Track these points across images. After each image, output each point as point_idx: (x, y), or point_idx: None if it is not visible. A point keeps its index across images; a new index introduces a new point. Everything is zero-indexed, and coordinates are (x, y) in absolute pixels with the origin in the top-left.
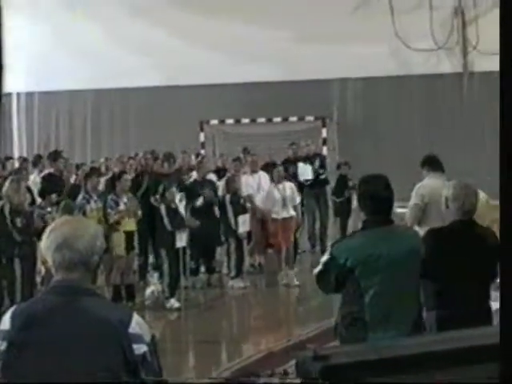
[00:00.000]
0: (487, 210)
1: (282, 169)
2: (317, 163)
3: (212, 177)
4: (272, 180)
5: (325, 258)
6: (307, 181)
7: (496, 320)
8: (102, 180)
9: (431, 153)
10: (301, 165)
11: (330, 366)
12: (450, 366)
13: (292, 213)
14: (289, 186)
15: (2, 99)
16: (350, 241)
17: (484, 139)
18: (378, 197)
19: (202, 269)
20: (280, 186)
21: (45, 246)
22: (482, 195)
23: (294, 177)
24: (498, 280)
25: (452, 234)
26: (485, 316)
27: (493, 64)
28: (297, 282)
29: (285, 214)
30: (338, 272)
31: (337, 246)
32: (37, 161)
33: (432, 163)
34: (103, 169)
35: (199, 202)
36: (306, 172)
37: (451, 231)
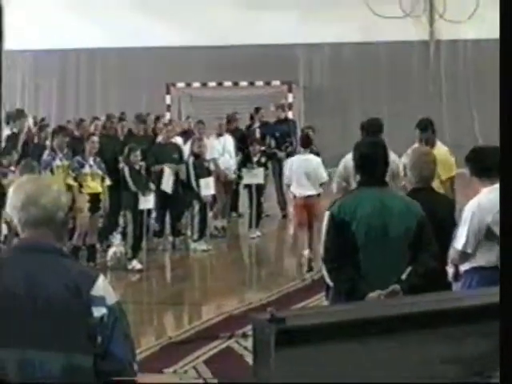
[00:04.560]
0: (446, 165)
1: None
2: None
3: (178, 140)
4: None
5: (324, 225)
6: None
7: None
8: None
9: (373, 118)
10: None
11: (285, 328)
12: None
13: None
14: None
15: None
16: (347, 199)
17: (448, 106)
18: (373, 158)
19: (167, 231)
20: None
21: (10, 204)
22: (444, 149)
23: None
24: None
25: None
26: (444, 281)
27: (458, 32)
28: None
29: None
30: (340, 228)
31: (335, 206)
32: (10, 118)
33: (368, 127)
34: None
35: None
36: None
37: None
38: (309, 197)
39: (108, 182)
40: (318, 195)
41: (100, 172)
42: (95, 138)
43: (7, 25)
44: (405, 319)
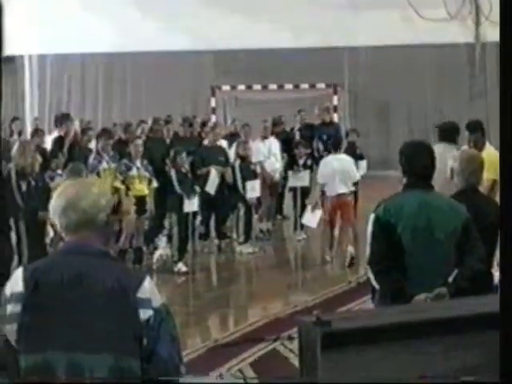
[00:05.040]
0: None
1: None
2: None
3: (223, 143)
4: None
5: (369, 227)
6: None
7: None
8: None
9: (447, 122)
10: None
11: (331, 331)
12: (450, 333)
13: None
14: None
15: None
16: (392, 201)
17: (494, 108)
18: (418, 161)
19: (213, 234)
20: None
21: (52, 211)
22: (493, 151)
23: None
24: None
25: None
26: (490, 285)
27: None
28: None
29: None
30: (385, 230)
31: (380, 208)
32: (57, 121)
33: (441, 132)
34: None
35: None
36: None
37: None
38: (341, 195)
39: (155, 184)
40: (350, 194)
41: (147, 174)
42: (139, 141)
43: (56, 28)
44: (449, 323)
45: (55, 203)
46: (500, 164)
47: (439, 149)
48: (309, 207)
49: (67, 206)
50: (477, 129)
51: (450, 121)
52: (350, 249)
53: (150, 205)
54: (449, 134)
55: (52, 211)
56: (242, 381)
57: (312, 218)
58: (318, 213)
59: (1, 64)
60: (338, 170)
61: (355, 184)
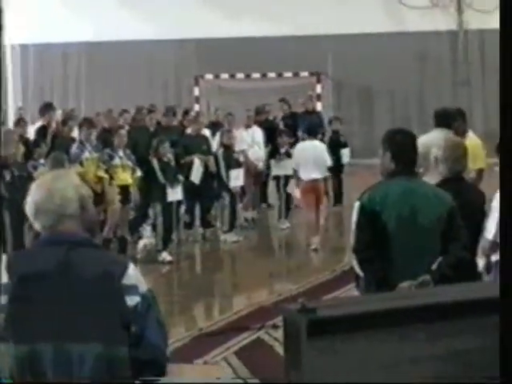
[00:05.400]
0: (476, 156)
1: None
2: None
3: (206, 132)
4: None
5: (354, 215)
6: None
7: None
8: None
9: (442, 107)
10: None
11: (316, 318)
12: (435, 320)
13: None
14: None
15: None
16: (377, 189)
17: (477, 97)
18: (406, 148)
19: (197, 222)
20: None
21: (28, 214)
22: (475, 139)
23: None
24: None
25: None
26: (474, 272)
27: (487, 22)
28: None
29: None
30: (370, 218)
31: (364, 196)
32: (40, 111)
33: (436, 118)
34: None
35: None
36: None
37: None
38: (315, 180)
39: (138, 173)
40: (323, 179)
41: (130, 164)
42: (123, 132)
43: (40, 18)
44: (434, 309)
45: (28, 208)
46: (500, 164)
47: (434, 134)
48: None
49: (37, 209)
50: (458, 116)
51: (446, 107)
52: (316, 239)
53: (133, 194)
54: (443, 119)
55: (28, 215)
56: (240, 381)
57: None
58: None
59: (1, 60)
60: (311, 156)
61: (329, 170)
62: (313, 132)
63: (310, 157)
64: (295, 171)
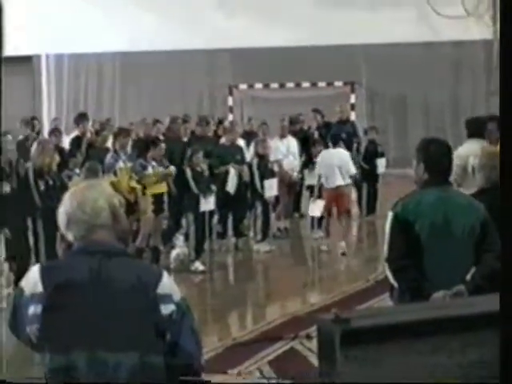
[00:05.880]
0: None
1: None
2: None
3: (240, 142)
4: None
5: (388, 225)
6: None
7: None
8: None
9: (472, 116)
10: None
11: (350, 329)
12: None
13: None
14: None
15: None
16: (411, 199)
17: None
18: (440, 158)
19: (230, 232)
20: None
21: (60, 225)
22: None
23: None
24: None
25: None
26: None
27: None
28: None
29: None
30: (404, 228)
31: (398, 205)
32: (77, 121)
33: (469, 128)
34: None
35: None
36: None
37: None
38: (339, 187)
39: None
40: (347, 186)
41: (165, 174)
42: (163, 145)
43: (74, 28)
44: (468, 320)
45: (60, 218)
46: (500, 165)
47: (471, 145)
48: (311, 198)
49: (69, 219)
50: (491, 122)
51: (477, 116)
52: (342, 244)
53: (167, 203)
54: (475, 129)
55: (60, 225)
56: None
57: (315, 207)
58: (321, 202)
59: (1, 63)
60: (336, 164)
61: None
62: (337, 140)
63: (334, 164)
64: (319, 178)
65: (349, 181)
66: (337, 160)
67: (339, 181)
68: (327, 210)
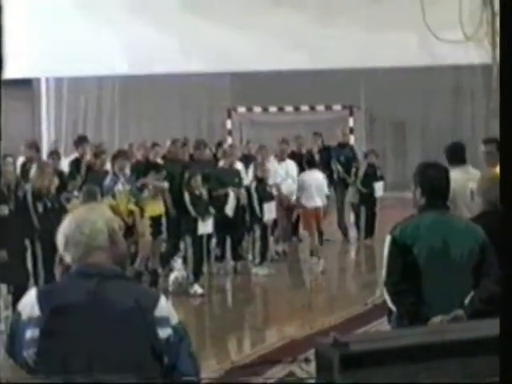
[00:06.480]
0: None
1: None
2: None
3: (238, 165)
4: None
5: (386, 249)
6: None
7: None
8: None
9: (450, 143)
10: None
11: (349, 353)
12: (469, 355)
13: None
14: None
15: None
16: (409, 223)
17: None
18: (437, 182)
19: (228, 255)
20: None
21: (57, 243)
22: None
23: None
24: None
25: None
26: None
27: None
28: (320, 268)
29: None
30: (402, 252)
31: (396, 229)
32: (77, 143)
33: (450, 156)
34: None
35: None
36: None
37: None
38: (318, 208)
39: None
40: (323, 206)
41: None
42: (164, 172)
43: (74, 51)
44: (467, 344)
45: (58, 240)
46: (500, 164)
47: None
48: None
49: (67, 241)
50: (491, 142)
51: (455, 141)
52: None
53: (165, 226)
54: (460, 154)
55: (58, 246)
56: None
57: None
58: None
59: (1, 67)
60: (313, 185)
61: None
62: (313, 163)
63: (311, 186)
64: (298, 198)
65: (325, 202)
66: (313, 182)
67: (318, 202)
68: (309, 228)
